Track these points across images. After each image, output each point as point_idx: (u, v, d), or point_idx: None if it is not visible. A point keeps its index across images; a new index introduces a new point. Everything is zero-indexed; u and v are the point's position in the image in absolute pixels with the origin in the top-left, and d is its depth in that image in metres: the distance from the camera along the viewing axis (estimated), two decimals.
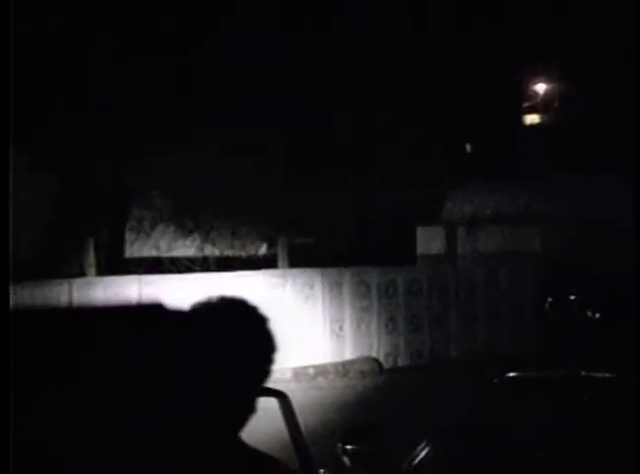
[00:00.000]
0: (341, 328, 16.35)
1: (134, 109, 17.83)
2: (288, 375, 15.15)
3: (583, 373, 4.16)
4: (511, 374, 4.17)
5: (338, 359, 16.10)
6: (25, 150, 17.24)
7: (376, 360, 16.49)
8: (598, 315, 16.64)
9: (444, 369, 15.83)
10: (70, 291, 14.31)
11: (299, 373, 15.43)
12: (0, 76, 1.88)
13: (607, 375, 4.12)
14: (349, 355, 16.32)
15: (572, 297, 17.12)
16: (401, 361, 16.91)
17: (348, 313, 16.45)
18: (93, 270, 17.52)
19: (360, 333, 16.55)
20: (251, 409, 1.62)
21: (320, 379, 15.52)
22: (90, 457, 1.41)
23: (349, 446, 3.76)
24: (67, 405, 1.38)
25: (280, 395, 2.97)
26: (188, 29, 17.79)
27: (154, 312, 1.53)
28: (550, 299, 17.38)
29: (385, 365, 16.58)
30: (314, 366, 15.70)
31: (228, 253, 20.73)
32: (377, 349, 16.68)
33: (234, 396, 1.59)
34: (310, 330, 15.96)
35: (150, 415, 1.42)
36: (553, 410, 4.14)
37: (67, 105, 17.22)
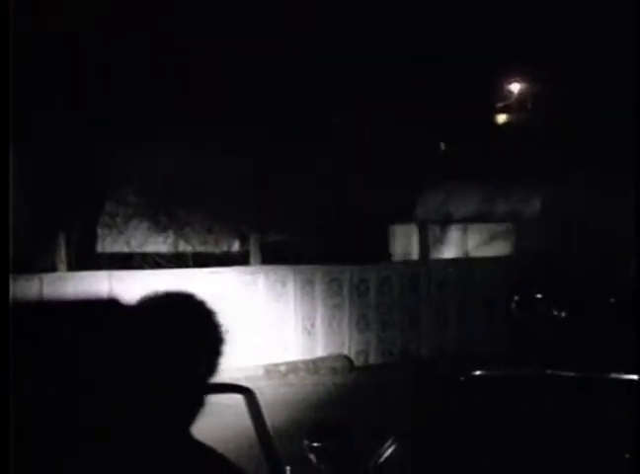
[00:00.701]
0: (312, 325, 16.37)
1: (108, 104, 17.75)
2: (260, 372, 15.17)
3: (548, 372, 4.21)
4: (476, 372, 4.20)
5: (309, 357, 16.13)
6: None
7: (347, 358, 16.54)
8: (563, 314, 16.81)
9: (415, 367, 15.90)
10: (41, 287, 14.24)
11: (271, 370, 15.45)
12: (0, 77, 1.88)
13: (572, 374, 4.16)
14: (320, 352, 16.35)
15: (538, 296, 17.28)
16: (372, 359, 16.97)
17: (319, 311, 16.48)
18: (64, 265, 17.43)
19: (332, 330, 16.59)
20: (199, 403, 1.62)
21: (291, 376, 15.54)
22: (37, 452, 1.42)
23: (315, 444, 3.78)
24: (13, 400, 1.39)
25: (245, 391, 2.98)
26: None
27: (99, 306, 1.54)
28: (517, 298, 17.53)
29: (356, 363, 16.63)
30: (285, 363, 15.72)
31: (201, 249, 20.68)
32: (349, 346, 16.73)
33: (179, 390, 1.59)
34: (282, 327, 15.98)
35: (95, 410, 1.43)
36: (518, 408, 4.18)
37: (39, 100, 17.11)
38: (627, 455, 3.89)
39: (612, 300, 16.60)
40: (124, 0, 17.66)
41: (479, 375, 4.23)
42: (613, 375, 4.06)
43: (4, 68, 1.90)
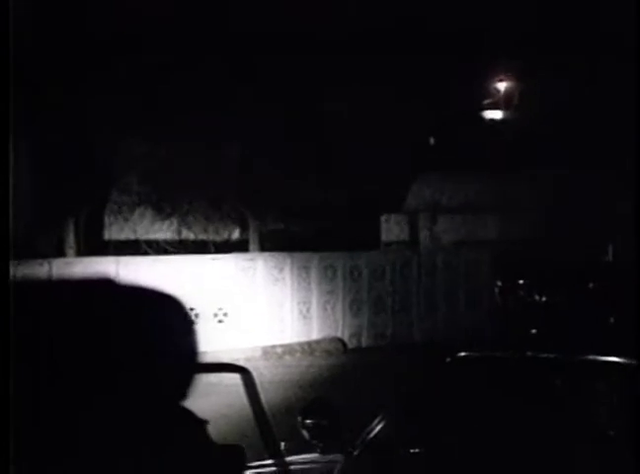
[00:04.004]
0: (308, 309, 16.40)
1: (113, 92, 17.65)
2: (258, 353, 15.21)
3: (529, 354, 4.23)
4: (462, 354, 4.22)
5: (305, 339, 16.16)
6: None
7: (341, 341, 16.57)
8: (544, 298, 16.92)
9: (405, 350, 15.92)
10: (50, 271, 14.24)
11: (268, 352, 15.48)
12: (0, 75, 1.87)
13: (552, 356, 4.18)
14: (315, 335, 16.38)
15: (520, 282, 17.37)
16: (364, 342, 17.00)
17: (315, 295, 16.51)
18: (72, 251, 17.45)
19: (326, 314, 16.62)
20: (183, 385, 1.58)
21: (287, 358, 15.57)
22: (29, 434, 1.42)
23: (308, 420, 3.81)
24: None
25: (242, 371, 2.99)
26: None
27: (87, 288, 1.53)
28: (500, 283, 17.61)
29: (349, 345, 16.66)
30: (282, 345, 15.75)
31: (203, 236, 20.70)
32: (342, 330, 16.76)
33: (161, 375, 1.56)
34: (279, 311, 16.01)
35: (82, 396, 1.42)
36: (499, 388, 4.20)
37: (45, 86, 16.98)
38: (611, 433, 3.91)
39: (591, 285, 16.72)
40: None
41: (464, 356, 4.25)
42: (591, 357, 4.08)
43: (4, 63, 1.90)
